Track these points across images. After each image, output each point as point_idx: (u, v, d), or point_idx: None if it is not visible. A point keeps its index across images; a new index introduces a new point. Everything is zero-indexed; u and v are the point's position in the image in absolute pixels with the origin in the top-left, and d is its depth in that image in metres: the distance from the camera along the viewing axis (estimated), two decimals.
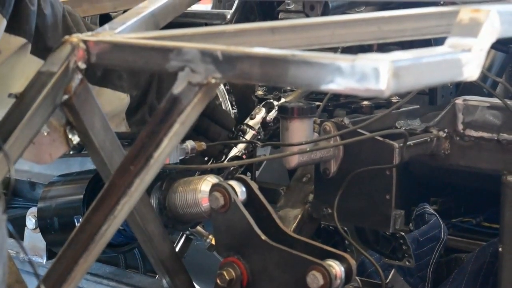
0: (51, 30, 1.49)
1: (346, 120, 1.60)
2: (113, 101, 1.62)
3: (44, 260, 2.07)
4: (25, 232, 2.12)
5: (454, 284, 1.71)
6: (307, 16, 1.87)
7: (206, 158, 1.83)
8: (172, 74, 1.06)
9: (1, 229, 0.98)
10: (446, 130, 1.63)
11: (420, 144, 1.60)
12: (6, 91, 1.23)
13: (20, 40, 1.45)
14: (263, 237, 1.40)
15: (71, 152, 1.75)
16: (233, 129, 1.85)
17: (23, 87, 1.17)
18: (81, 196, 1.71)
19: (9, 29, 1.42)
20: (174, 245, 1.83)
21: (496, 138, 1.57)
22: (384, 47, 1.83)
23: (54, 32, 1.49)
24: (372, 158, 1.52)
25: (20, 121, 1.15)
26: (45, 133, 1.21)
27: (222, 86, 1.92)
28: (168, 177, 1.63)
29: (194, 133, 1.74)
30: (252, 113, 1.86)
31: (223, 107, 1.93)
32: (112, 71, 1.60)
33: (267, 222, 1.42)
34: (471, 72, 0.99)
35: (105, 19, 1.92)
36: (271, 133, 1.85)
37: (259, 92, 1.94)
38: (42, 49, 1.46)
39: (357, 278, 1.51)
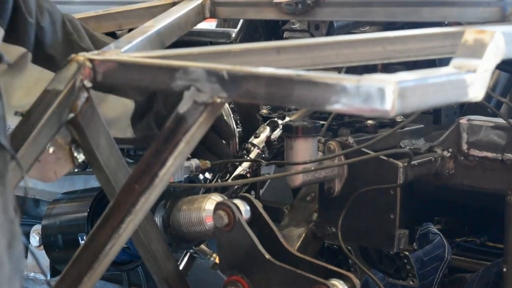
0: (50, 38, 1.49)
1: (351, 139, 1.60)
2: (117, 107, 1.60)
3: (48, 278, 2.07)
4: (29, 250, 2.12)
5: None
6: (312, 35, 1.88)
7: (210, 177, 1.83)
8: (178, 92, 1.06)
9: (20, 243, 0.97)
10: (450, 149, 1.63)
11: (425, 163, 1.60)
12: (7, 101, 1.23)
13: (19, 50, 1.45)
14: (267, 256, 1.40)
15: (75, 170, 1.75)
16: (236, 146, 1.84)
17: (24, 97, 1.16)
18: (86, 214, 1.71)
19: (8, 39, 1.42)
20: (178, 264, 1.82)
21: (500, 158, 1.57)
22: (388, 67, 1.84)
23: (53, 40, 1.49)
24: (377, 178, 1.52)
25: (26, 139, 1.15)
26: (51, 151, 1.22)
27: (226, 104, 1.91)
28: (172, 196, 1.63)
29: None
30: (257, 131, 1.85)
31: None
32: None
33: (271, 241, 1.42)
34: (476, 93, 1.00)
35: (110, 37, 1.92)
36: (276, 152, 1.85)
37: (264, 111, 1.94)
38: (42, 57, 1.46)
39: None
